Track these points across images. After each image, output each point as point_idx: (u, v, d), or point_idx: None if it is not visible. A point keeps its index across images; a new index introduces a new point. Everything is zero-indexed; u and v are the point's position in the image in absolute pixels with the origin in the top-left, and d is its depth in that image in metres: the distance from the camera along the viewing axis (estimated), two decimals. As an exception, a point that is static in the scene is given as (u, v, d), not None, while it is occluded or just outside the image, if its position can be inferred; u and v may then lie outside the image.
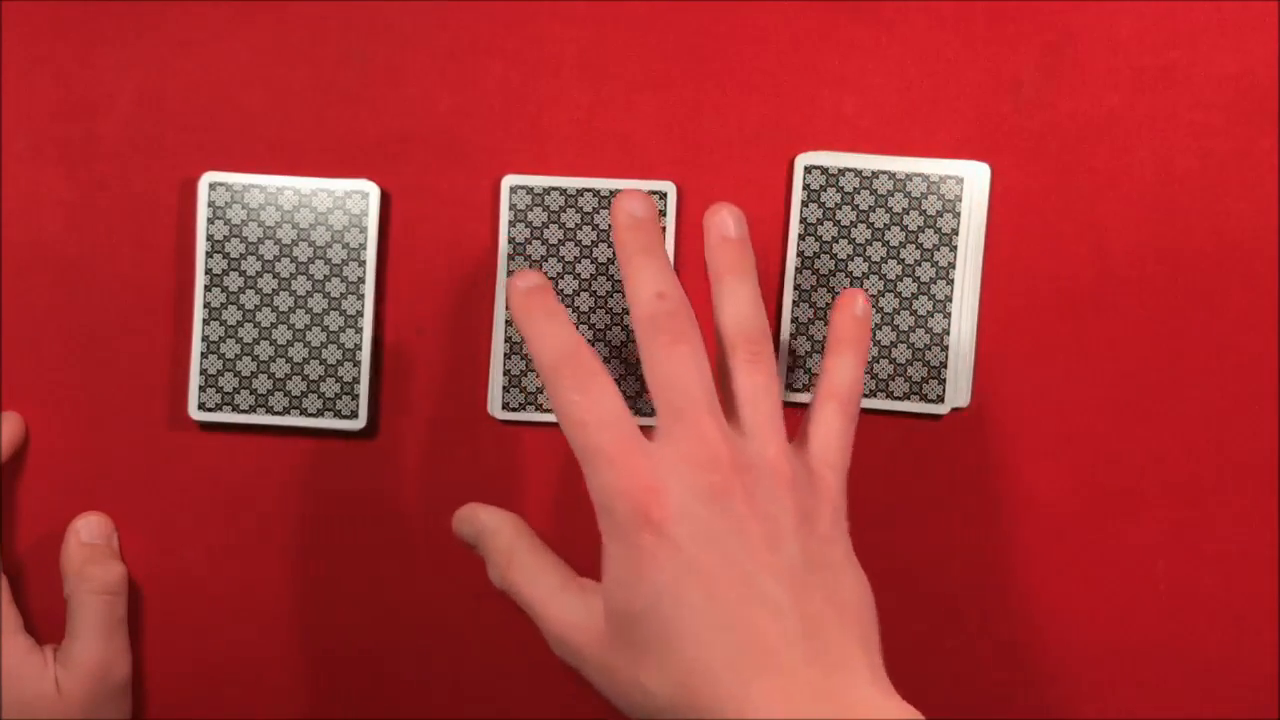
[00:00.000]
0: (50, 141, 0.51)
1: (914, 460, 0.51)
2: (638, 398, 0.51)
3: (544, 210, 0.51)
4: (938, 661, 0.52)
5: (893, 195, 0.51)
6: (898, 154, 0.51)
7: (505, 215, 0.51)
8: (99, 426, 0.51)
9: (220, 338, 0.50)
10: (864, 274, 0.51)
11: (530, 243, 0.51)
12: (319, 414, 0.50)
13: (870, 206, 0.51)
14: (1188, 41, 0.51)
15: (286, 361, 0.50)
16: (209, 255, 0.50)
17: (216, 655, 0.52)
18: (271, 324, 0.51)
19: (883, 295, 0.51)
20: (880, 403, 0.51)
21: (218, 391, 0.50)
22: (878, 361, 0.51)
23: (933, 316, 0.51)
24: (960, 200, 0.51)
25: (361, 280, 0.50)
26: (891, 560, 0.51)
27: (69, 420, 0.51)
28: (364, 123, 0.51)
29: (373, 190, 0.50)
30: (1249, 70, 0.51)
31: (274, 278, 0.50)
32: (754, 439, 0.39)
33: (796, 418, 0.49)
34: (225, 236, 0.50)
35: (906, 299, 0.51)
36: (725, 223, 0.41)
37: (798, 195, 0.51)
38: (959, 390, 0.51)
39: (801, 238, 0.51)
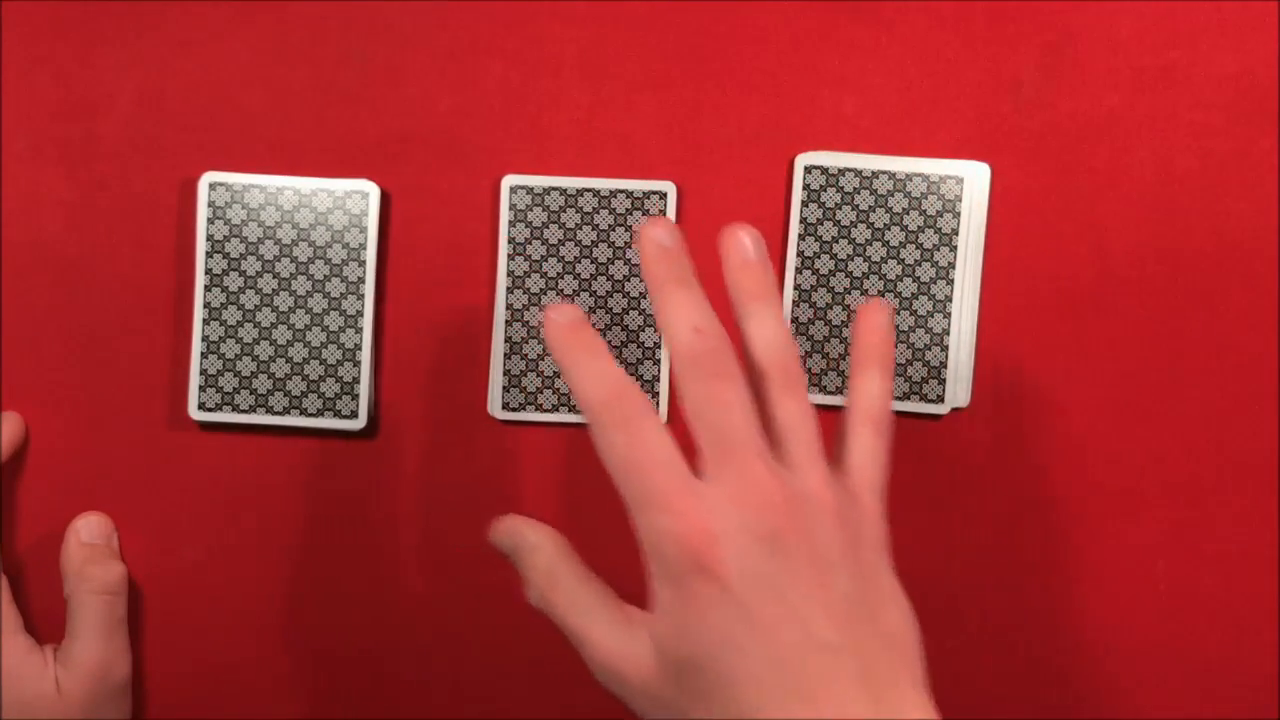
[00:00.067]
0: (50, 141, 0.51)
1: (914, 460, 0.51)
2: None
3: (544, 210, 0.51)
4: (937, 661, 0.52)
5: (893, 195, 0.51)
6: (898, 154, 0.51)
7: (505, 215, 0.51)
8: (99, 426, 0.51)
9: (220, 338, 0.50)
10: (864, 274, 0.51)
11: (530, 243, 0.51)
12: (319, 414, 0.50)
13: (870, 206, 0.51)
14: (1188, 41, 0.51)
15: (286, 361, 0.50)
16: (209, 255, 0.50)
17: (216, 655, 0.52)
18: (271, 324, 0.51)
19: (883, 295, 0.51)
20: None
21: (218, 391, 0.50)
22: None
23: (933, 316, 0.51)
24: (960, 200, 0.51)
25: (361, 280, 0.50)
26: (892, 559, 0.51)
27: (69, 420, 0.51)
28: (364, 123, 0.51)
29: (373, 190, 0.50)
30: (1249, 70, 0.51)
31: (274, 278, 0.50)
32: (798, 470, 0.38)
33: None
34: (225, 236, 0.50)
35: (906, 299, 0.51)
36: (744, 245, 0.41)
37: (798, 195, 0.51)
38: (959, 390, 0.51)
39: (801, 238, 0.51)
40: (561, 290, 0.51)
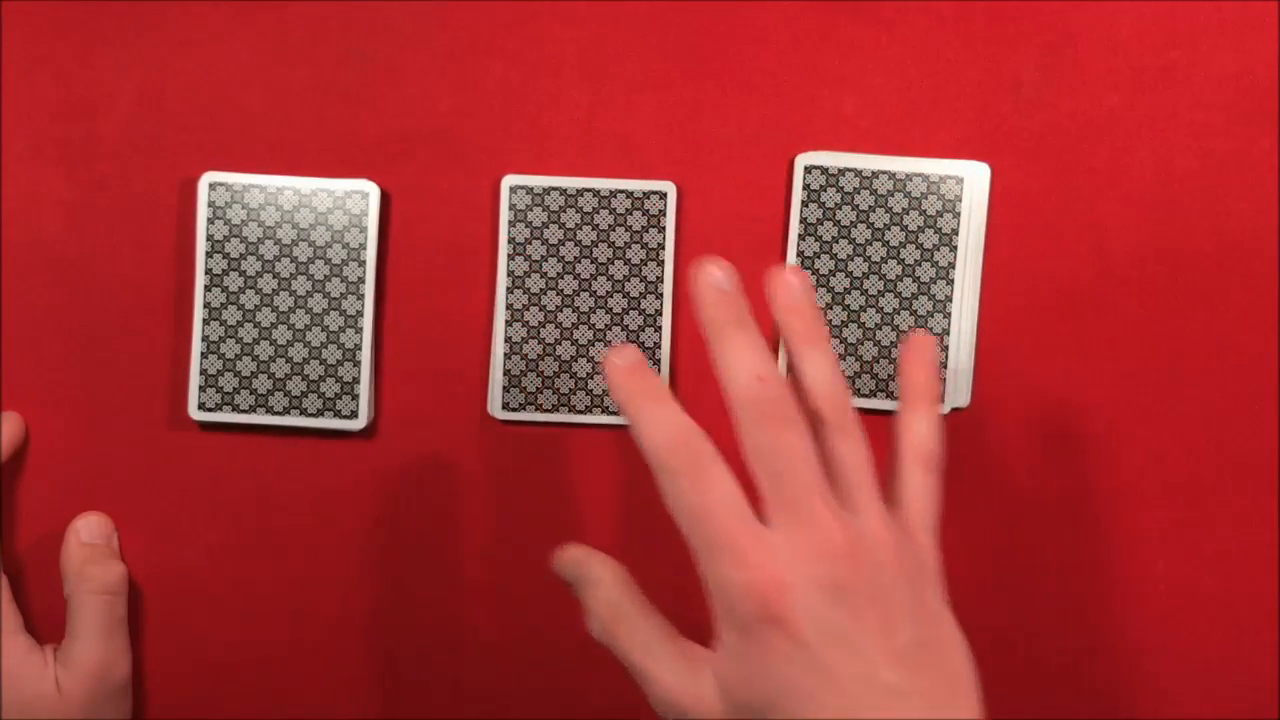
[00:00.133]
0: (50, 141, 0.51)
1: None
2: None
3: (544, 210, 0.51)
4: (938, 661, 0.52)
5: (893, 195, 0.51)
6: (898, 154, 0.51)
7: (505, 215, 0.51)
8: (99, 426, 0.51)
9: (220, 338, 0.50)
10: (864, 274, 0.51)
11: (530, 243, 0.51)
12: (319, 414, 0.50)
13: (870, 206, 0.51)
14: (1188, 41, 0.51)
15: (286, 361, 0.50)
16: (209, 255, 0.50)
17: (216, 655, 0.52)
18: (271, 324, 0.51)
19: (883, 295, 0.51)
20: (880, 403, 0.51)
21: (218, 391, 0.50)
22: (878, 361, 0.51)
23: (933, 316, 0.51)
24: (960, 200, 0.51)
25: (361, 280, 0.50)
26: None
27: (69, 420, 0.51)
28: (364, 123, 0.51)
29: (373, 190, 0.50)
30: (1249, 70, 0.51)
31: (274, 278, 0.50)
32: (859, 513, 0.39)
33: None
34: (225, 236, 0.50)
35: (906, 299, 0.51)
36: (792, 287, 0.41)
37: (798, 195, 0.51)
38: (959, 390, 0.51)
39: (801, 238, 0.51)
40: (561, 290, 0.51)
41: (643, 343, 0.51)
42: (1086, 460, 0.51)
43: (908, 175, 0.50)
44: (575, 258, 0.51)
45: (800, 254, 0.51)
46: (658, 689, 0.39)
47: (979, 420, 0.51)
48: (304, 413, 0.50)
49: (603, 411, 0.51)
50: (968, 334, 0.51)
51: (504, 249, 0.51)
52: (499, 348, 0.51)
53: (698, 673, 0.39)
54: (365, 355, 0.51)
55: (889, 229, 0.51)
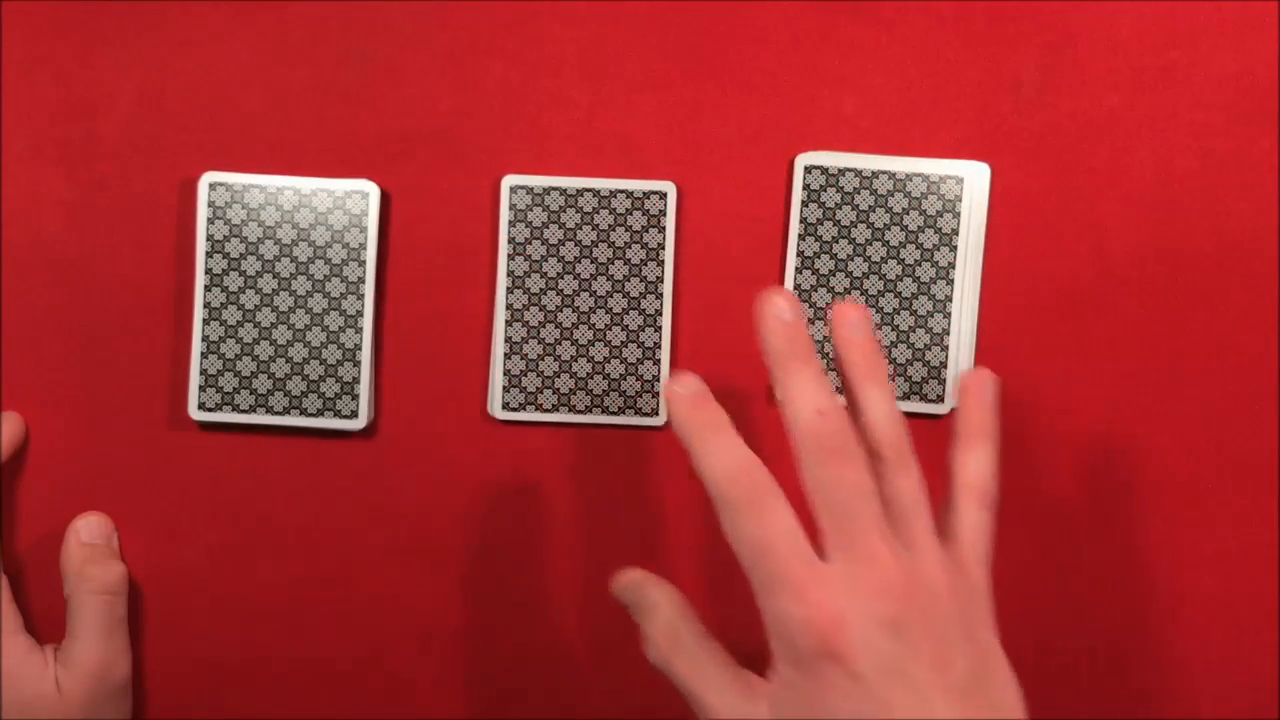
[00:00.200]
0: (50, 141, 0.51)
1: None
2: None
3: (544, 210, 0.51)
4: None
5: (893, 195, 0.51)
6: (898, 154, 0.51)
7: (505, 215, 0.51)
8: (99, 426, 0.51)
9: (220, 338, 0.50)
10: (864, 274, 0.51)
11: (530, 243, 0.51)
12: (319, 414, 0.50)
13: (870, 206, 0.51)
14: (1188, 41, 0.51)
15: (286, 361, 0.50)
16: (209, 255, 0.50)
17: (216, 655, 0.52)
18: (271, 324, 0.51)
19: (883, 295, 0.51)
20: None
21: (218, 391, 0.50)
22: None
23: (933, 316, 0.51)
24: (960, 200, 0.51)
25: (361, 280, 0.50)
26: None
27: (69, 420, 0.51)
28: (364, 123, 0.51)
29: (373, 190, 0.50)
30: (1249, 70, 0.51)
31: (274, 278, 0.50)
32: (915, 550, 0.39)
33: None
34: (225, 236, 0.50)
35: (906, 299, 0.51)
36: (851, 321, 0.41)
37: (798, 195, 0.51)
38: (959, 391, 0.51)
39: (801, 238, 0.51)
40: (561, 290, 0.51)
41: (642, 343, 0.51)
42: (1086, 460, 0.51)
43: (908, 175, 0.50)
44: (575, 258, 0.51)
45: (800, 254, 0.51)
46: (712, 715, 0.40)
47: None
48: (304, 413, 0.50)
49: (602, 412, 0.51)
50: (968, 334, 0.51)
51: (504, 249, 0.51)
52: (499, 348, 0.51)
53: (753, 703, 0.39)
54: (365, 355, 0.51)
55: (889, 229, 0.51)
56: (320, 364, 0.50)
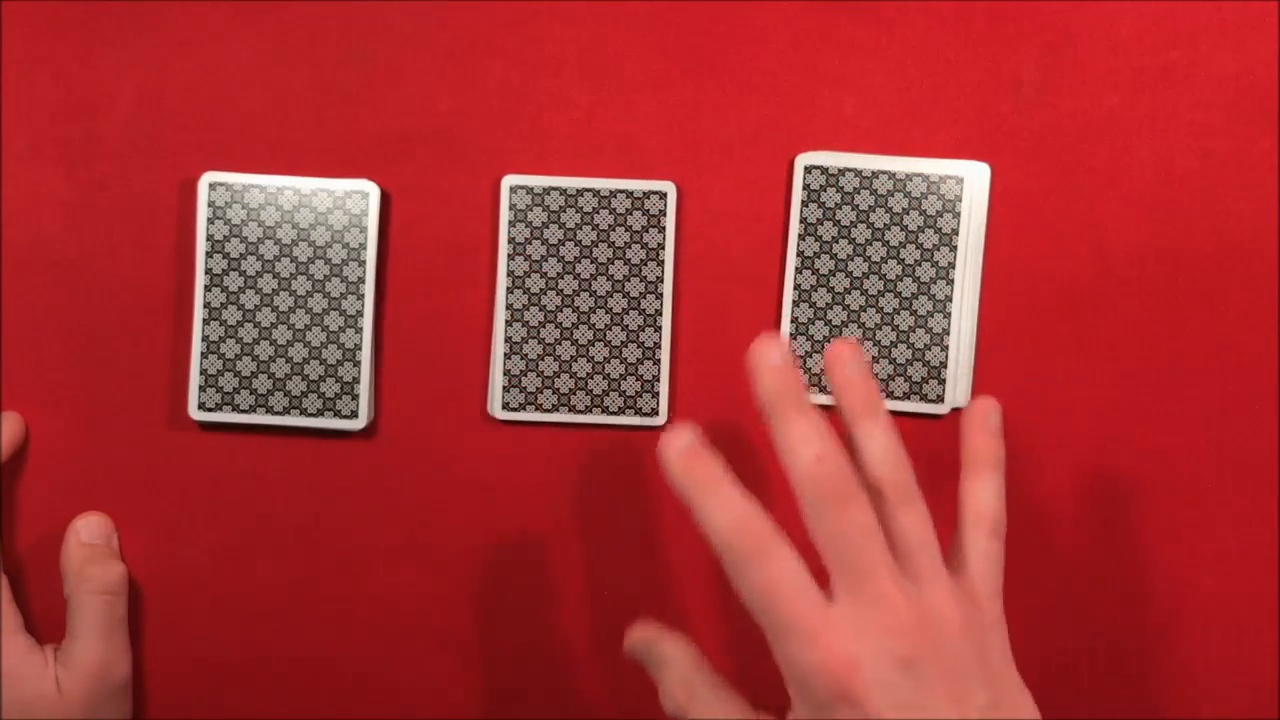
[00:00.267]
0: (50, 141, 0.51)
1: (914, 460, 0.51)
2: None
3: (544, 210, 0.51)
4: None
5: (893, 195, 0.51)
6: (898, 154, 0.51)
7: (505, 215, 0.51)
8: (99, 426, 0.51)
9: (220, 338, 0.50)
10: (864, 274, 0.51)
11: (530, 243, 0.51)
12: (319, 414, 0.50)
13: (870, 206, 0.51)
14: (1188, 41, 0.51)
15: (286, 361, 0.50)
16: (209, 255, 0.50)
17: (216, 655, 0.52)
18: (271, 324, 0.51)
19: (883, 295, 0.51)
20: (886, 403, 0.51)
21: (218, 391, 0.50)
22: (878, 361, 0.51)
23: (933, 316, 0.51)
24: (960, 200, 0.51)
25: (361, 280, 0.50)
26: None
27: (69, 420, 0.51)
28: (364, 123, 0.51)
29: (373, 190, 0.50)
30: (1249, 70, 0.51)
31: (274, 278, 0.50)
32: (924, 585, 0.39)
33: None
34: (225, 236, 0.50)
35: (906, 299, 0.51)
36: (845, 360, 0.41)
37: (798, 195, 0.51)
38: (959, 390, 0.51)
39: (801, 238, 0.51)
40: (561, 290, 0.51)
41: (643, 342, 0.51)
42: (1086, 460, 0.51)
43: (908, 175, 0.50)
44: (575, 258, 0.51)
45: (800, 254, 0.51)
46: None
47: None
48: (304, 413, 0.50)
49: (602, 411, 0.51)
50: (968, 334, 0.51)
51: (504, 249, 0.51)
52: (499, 348, 0.51)
53: None
54: (365, 355, 0.51)
55: (889, 229, 0.51)
56: (320, 364, 0.50)
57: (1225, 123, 0.51)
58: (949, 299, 0.51)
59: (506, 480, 0.52)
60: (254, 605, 0.52)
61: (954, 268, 0.51)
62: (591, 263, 0.51)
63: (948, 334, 0.51)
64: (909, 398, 0.51)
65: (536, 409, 0.51)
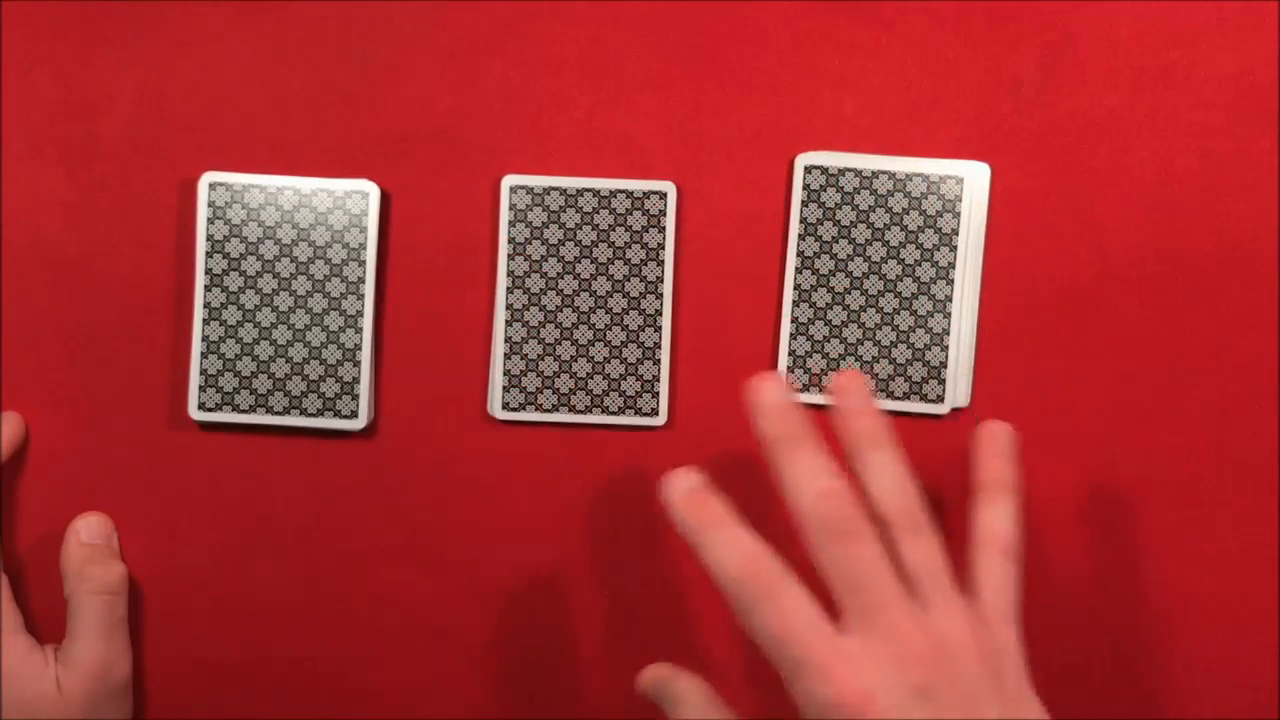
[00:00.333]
0: (50, 141, 0.51)
1: (914, 460, 0.51)
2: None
3: (544, 210, 0.51)
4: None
5: (893, 195, 0.51)
6: (898, 154, 0.51)
7: (505, 215, 0.51)
8: (99, 426, 0.51)
9: (220, 338, 0.50)
10: (864, 274, 0.51)
11: (530, 243, 0.51)
12: (319, 414, 0.50)
13: (870, 206, 0.51)
14: (1188, 41, 0.51)
15: (286, 361, 0.50)
16: (209, 255, 0.50)
17: (216, 655, 0.52)
18: (271, 324, 0.51)
19: (883, 295, 0.51)
20: (880, 403, 0.51)
21: (218, 391, 0.50)
22: (878, 361, 0.51)
23: (933, 316, 0.51)
24: (960, 200, 0.51)
25: (361, 280, 0.50)
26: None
27: (69, 420, 0.51)
28: (364, 123, 0.51)
29: (373, 190, 0.50)
30: (1249, 70, 0.51)
31: (274, 278, 0.50)
32: (936, 612, 0.39)
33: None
34: (225, 236, 0.50)
35: (906, 299, 0.51)
36: (849, 392, 0.42)
37: (798, 195, 0.51)
38: (959, 390, 0.51)
39: (801, 238, 0.51)
40: (561, 290, 0.51)
41: (642, 342, 0.51)
42: (1086, 460, 0.51)
43: (908, 175, 0.50)
44: (575, 258, 0.51)
45: (800, 254, 0.51)
46: None
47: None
48: (304, 413, 0.50)
49: (602, 412, 0.51)
50: (968, 334, 0.51)
51: (504, 249, 0.51)
52: (499, 348, 0.51)
53: None
54: (365, 355, 0.51)
55: (889, 229, 0.51)
56: (320, 364, 0.50)
57: (1225, 123, 0.51)
58: (949, 299, 0.51)
59: (506, 480, 0.52)
60: (254, 605, 0.52)
61: (954, 268, 0.51)
62: (591, 263, 0.51)
63: (948, 334, 0.51)
64: (909, 398, 0.51)
65: (536, 409, 0.51)
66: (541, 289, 0.51)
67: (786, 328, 0.51)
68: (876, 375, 0.51)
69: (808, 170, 0.50)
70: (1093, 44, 0.51)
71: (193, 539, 0.52)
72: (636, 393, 0.51)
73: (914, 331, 0.51)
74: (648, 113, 0.51)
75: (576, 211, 0.51)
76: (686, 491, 0.40)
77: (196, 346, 0.50)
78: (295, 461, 0.52)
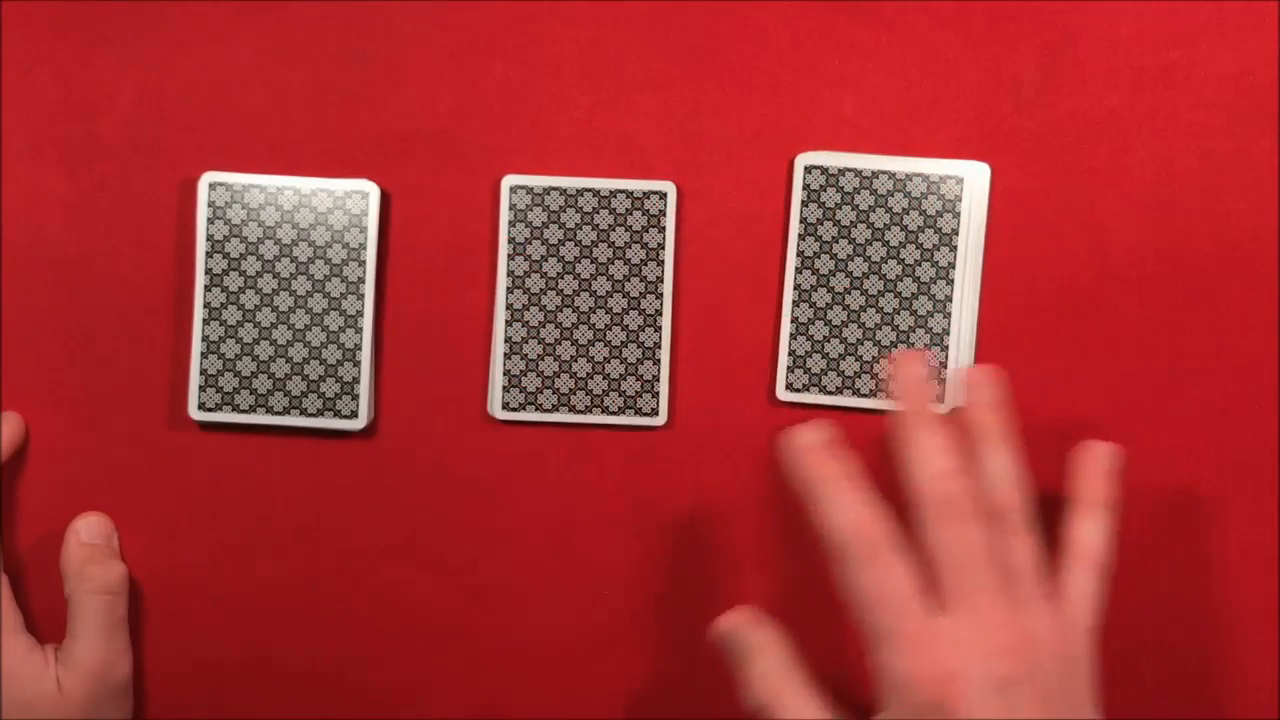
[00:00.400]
0: (50, 141, 0.51)
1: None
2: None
3: (544, 210, 0.51)
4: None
5: (893, 195, 0.51)
6: (898, 154, 0.51)
7: (505, 215, 0.51)
8: (99, 426, 0.51)
9: (220, 338, 0.50)
10: (864, 274, 0.51)
11: (530, 243, 0.51)
12: (319, 414, 0.50)
13: (870, 206, 0.51)
14: (1188, 41, 0.51)
15: (286, 361, 0.50)
16: (209, 255, 0.50)
17: (216, 655, 0.52)
18: (271, 324, 0.51)
19: (883, 295, 0.51)
20: (880, 403, 0.51)
21: (218, 391, 0.50)
22: (877, 361, 0.51)
23: (933, 316, 0.51)
24: (960, 200, 0.51)
25: (361, 280, 0.50)
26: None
27: (69, 420, 0.51)
28: (364, 123, 0.51)
29: (373, 190, 0.50)
30: (1249, 70, 0.51)
31: (274, 278, 0.50)
32: (1027, 609, 0.40)
33: (802, 415, 0.50)
34: (225, 236, 0.50)
35: (906, 299, 0.51)
36: (989, 386, 0.44)
37: (798, 195, 0.51)
38: (959, 390, 0.51)
39: (801, 238, 0.51)
40: (561, 290, 0.51)
41: (642, 342, 0.51)
42: (1086, 460, 0.51)
43: (908, 175, 0.50)
44: (575, 258, 0.51)
45: (800, 254, 0.51)
46: None
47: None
48: (304, 413, 0.50)
49: (602, 412, 0.51)
50: (968, 334, 0.51)
51: (504, 249, 0.51)
52: (499, 348, 0.51)
53: None
54: (365, 355, 0.51)
55: (889, 229, 0.51)
56: (320, 364, 0.50)
57: (1225, 123, 0.51)
58: (949, 299, 0.51)
59: (506, 480, 0.52)
60: (254, 605, 0.52)
61: (954, 268, 0.51)
62: (591, 263, 0.51)
63: (948, 334, 0.51)
64: (909, 398, 0.51)
65: (536, 409, 0.51)
66: (541, 289, 0.51)
67: (786, 328, 0.51)
68: (877, 375, 0.51)
69: (808, 170, 0.50)
70: (1093, 44, 0.51)
71: (193, 539, 0.52)
72: (636, 393, 0.51)
73: (914, 331, 0.51)
74: (648, 113, 0.51)
75: (576, 211, 0.51)
76: (811, 444, 0.40)
77: (196, 346, 0.50)
78: (295, 461, 0.52)
